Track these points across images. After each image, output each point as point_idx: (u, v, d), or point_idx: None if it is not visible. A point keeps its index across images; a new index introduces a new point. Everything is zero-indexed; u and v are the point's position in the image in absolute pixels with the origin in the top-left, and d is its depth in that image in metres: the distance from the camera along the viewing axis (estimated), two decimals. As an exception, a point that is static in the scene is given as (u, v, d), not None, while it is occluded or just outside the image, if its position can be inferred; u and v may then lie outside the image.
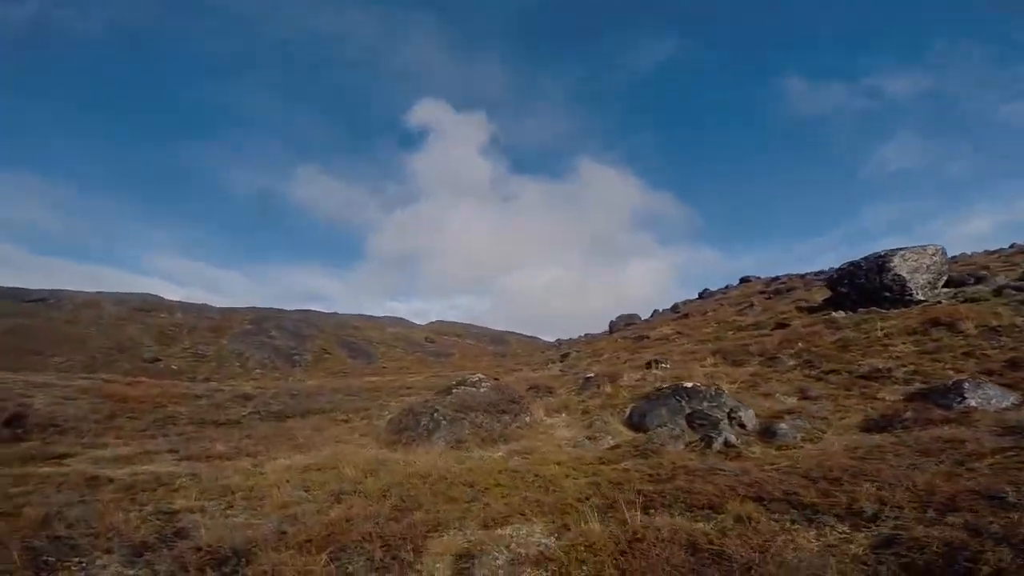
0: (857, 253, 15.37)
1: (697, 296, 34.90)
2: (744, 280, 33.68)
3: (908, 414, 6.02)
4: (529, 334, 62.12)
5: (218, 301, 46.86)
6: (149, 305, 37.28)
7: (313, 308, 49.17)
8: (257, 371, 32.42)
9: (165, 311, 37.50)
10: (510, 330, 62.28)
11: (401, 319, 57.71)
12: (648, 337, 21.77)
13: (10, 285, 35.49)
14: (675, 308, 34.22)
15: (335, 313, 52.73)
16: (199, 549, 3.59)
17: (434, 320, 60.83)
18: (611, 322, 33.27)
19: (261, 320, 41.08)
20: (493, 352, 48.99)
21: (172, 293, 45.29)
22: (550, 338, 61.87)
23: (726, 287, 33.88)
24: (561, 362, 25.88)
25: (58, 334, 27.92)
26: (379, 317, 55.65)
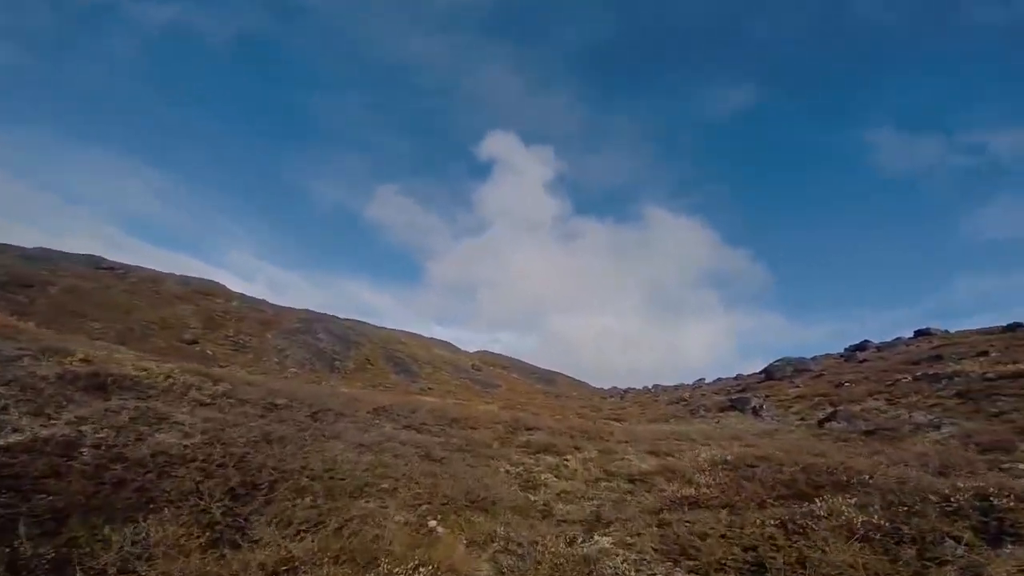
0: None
1: (847, 349, 33.80)
2: (922, 333, 31.88)
3: None
4: (577, 378, 56.85)
5: (277, 300, 46.50)
6: (208, 289, 36.96)
7: (364, 320, 47.60)
8: (293, 370, 30.15)
9: (222, 298, 37.00)
10: (556, 370, 57.23)
11: (448, 343, 54.82)
12: (947, 377, 16.33)
13: (95, 253, 36.82)
14: (851, 355, 32.02)
15: (384, 328, 50.83)
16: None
17: (480, 349, 57.48)
18: (769, 366, 32.22)
19: (311, 321, 39.66)
20: (543, 390, 44.64)
21: (237, 286, 45.58)
22: (597, 385, 56.04)
23: (897, 339, 32.66)
24: (745, 412, 21.01)
25: (109, 302, 27.36)
26: (427, 337, 52.98)
